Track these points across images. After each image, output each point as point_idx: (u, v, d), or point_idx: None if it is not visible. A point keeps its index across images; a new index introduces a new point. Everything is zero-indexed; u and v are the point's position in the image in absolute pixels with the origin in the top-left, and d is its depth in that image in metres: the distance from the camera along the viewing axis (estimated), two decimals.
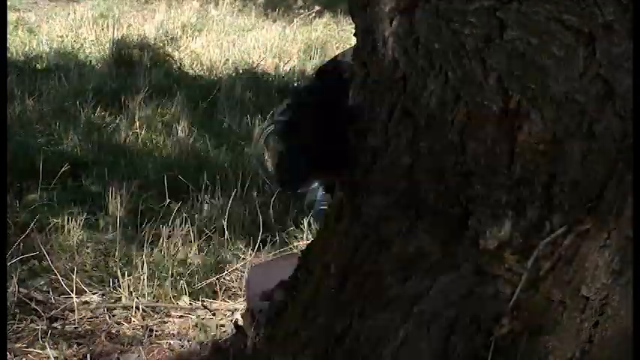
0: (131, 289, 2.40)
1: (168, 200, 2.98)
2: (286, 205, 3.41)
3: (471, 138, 0.99)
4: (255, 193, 3.36)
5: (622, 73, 0.88)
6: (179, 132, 4.45)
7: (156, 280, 2.48)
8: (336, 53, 1.72)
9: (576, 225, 0.97)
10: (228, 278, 2.69)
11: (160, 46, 7.01)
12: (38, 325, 2.10)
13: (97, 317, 2.25)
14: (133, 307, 2.28)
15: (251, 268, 2.05)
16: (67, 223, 2.78)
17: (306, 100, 1.03)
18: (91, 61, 6.18)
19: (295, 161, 0.99)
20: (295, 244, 3.04)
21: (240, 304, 2.40)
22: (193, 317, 2.33)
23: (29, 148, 3.69)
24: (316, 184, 1.53)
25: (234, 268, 2.76)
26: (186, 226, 2.80)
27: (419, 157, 1.04)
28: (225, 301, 2.51)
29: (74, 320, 2.18)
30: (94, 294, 2.37)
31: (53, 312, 2.23)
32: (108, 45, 6.56)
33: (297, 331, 1.22)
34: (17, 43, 6.59)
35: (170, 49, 7.11)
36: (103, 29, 7.55)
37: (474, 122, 0.98)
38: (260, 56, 7.10)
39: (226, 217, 2.99)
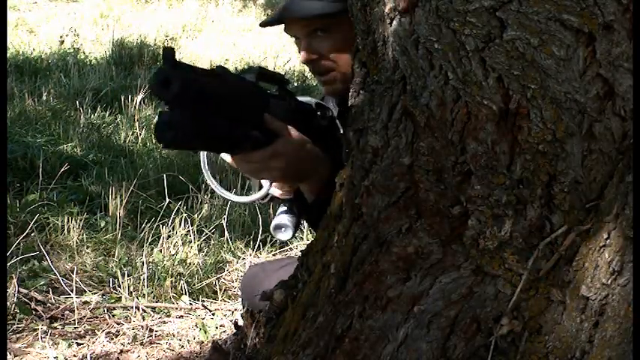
0: (131, 289, 2.41)
1: (168, 200, 2.98)
2: None
3: (470, 138, 0.99)
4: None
5: (622, 73, 0.88)
6: None
7: (156, 280, 2.48)
8: None
9: (576, 225, 0.97)
10: (228, 278, 2.70)
11: (160, 46, 7.01)
12: (38, 325, 2.10)
13: (97, 317, 2.25)
14: (133, 307, 2.29)
15: (247, 269, 2.05)
16: (67, 223, 2.78)
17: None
18: (91, 61, 6.18)
19: (180, 123, 1.08)
20: (295, 243, 3.05)
21: (240, 304, 2.41)
22: (193, 317, 2.33)
23: (29, 148, 3.69)
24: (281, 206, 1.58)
25: (234, 268, 2.76)
26: (186, 226, 2.80)
27: (419, 157, 1.04)
28: (225, 301, 2.51)
29: (74, 320, 2.18)
30: (94, 294, 2.38)
31: (53, 312, 2.23)
32: (108, 45, 6.57)
33: (297, 331, 1.22)
34: (17, 43, 6.59)
35: None
36: (103, 29, 7.56)
37: (474, 122, 0.98)
38: (260, 56, 7.10)
39: (226, 217, 3.00)
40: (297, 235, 3.11)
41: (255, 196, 1.57)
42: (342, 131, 1.65)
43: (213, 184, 1.49)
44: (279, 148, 1.34)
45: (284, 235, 1.61)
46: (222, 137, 1.21)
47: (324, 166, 1.44)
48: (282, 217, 1.60)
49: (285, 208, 1.60)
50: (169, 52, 1.07)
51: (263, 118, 1.32)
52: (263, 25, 1.64)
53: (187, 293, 2.46)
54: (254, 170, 1.39)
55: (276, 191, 1.58)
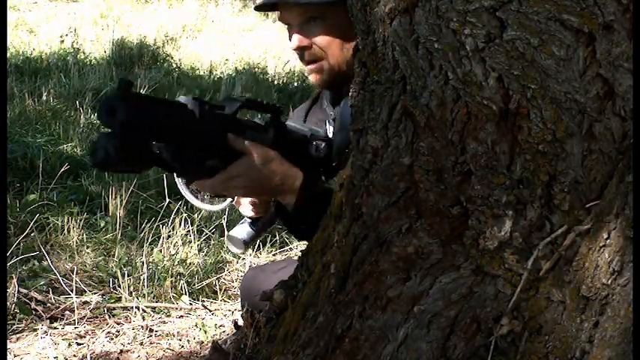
0: (131, 289, 2.40)
1: (168, 200, 2.98)
2: None
3: (470, 138, 0.99)
4: None
5: (622, 73, 0.88)
6: None
7: (156, 280, 2.48)
8: None
9: (576, 225, 0.97)
10: (228, 278, 2.70)
11: (159, 46, 7.02)
12: (38, 325, 2.10)
13: (97, 317, 2.25)
14: (133, 307, 2.28)
15: (246, 271, 2.05)
16: (67, 223, 2.78)
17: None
18: (91, 61, 6.18)
19: (110, 146, 1.11)
20: (295, 244, 3.05)
21: (240, 305, 2.40)
22: (193, 317, 2.33)
23: (29, 148, 3.69)
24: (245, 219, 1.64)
25: (234, 268, 2.76)
26: (187, 226, 2.80)
27: (419, 157, 1.04)
28: (225, 301, 2.51)
29: (74, 320, 2.18)
30: (94, 294, 2.38)
31: (53, 312, 2.23)
32: (108, 45, 6.58)
33: (297, 331, 1.22)
34: (17, 43, 6.59)
35: (170, 49, 7.11)
36: (103, 29, 7.56)
37: (474, 122, 0.98)
38: (260, 56, 7.11)
39: (226, 217, 3.00)
40: None
41: (221, 205, 1.60)
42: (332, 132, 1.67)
43: (184, 192, 1.52)
44: (235, 171, 1.38)
45: (235, 249, 1.65)
46: (163, 163, 1.26)
47: (294, 180, 1.48)
48: (241, 230, 1.63)
49: (249, 220, 1.63)
50: (124, 83, 1.12)
51: (225, 142, 1.36)
52: (257, 8, 1.66)
53: (187, 293, 2.46)
54: (214, 192, 1.45)
55: (247, 212, 1.61)
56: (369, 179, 1.11)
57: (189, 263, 2.64)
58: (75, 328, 2.15)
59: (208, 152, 1.33)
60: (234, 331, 1.54)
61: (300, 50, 1.58)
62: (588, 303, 0.97)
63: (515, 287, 1.01)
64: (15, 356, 1.95)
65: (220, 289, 2.57)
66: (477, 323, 1.04)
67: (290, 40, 1.61)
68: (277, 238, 3.06)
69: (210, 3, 9.23)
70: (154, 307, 2.35)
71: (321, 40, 1.55)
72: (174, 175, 1.43)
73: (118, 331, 2.16)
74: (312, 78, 1.63)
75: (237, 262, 2.82)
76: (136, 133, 1.14)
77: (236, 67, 6.57)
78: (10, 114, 4.25)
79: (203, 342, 2.13)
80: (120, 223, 2.82)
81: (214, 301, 2.49)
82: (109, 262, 2.61)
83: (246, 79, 5.90)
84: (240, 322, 1.45)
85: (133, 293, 2.40)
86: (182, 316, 2.33)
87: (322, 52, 1.56)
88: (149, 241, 2.75)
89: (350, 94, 1.19)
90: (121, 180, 3.37)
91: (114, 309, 2.30)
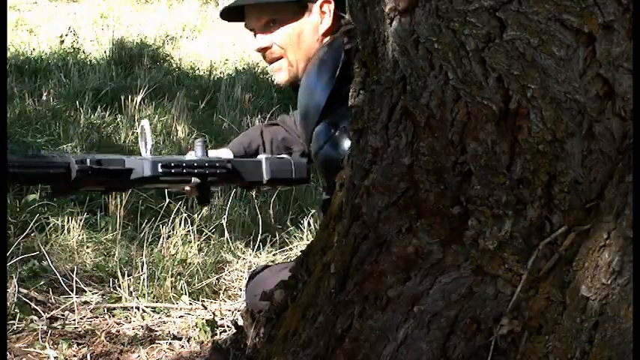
0: (131, 289, 2.40)
1: (168, 200, 2.98)
2: (286, 205, 3.42)
3: (470, 138, 0.99)
4: (254, 193, 3.36)
5: (622, 73, 0.88)
6: (179, 132, 4.46)
7: (156, 280, 2.48)
8: None
9: (576, 225, 0.97)
10: (228, 278, 2.70)
11: (159, 46, 7.02)
12: (38, 325, 2.10)
13: (97, 317, 2.25)
14: (133, 307, 2.28)
15: (250, 274, 2.06)
16: (67, 223, 2.78)
17: None
18: (91, 61, 6.18)
19: None
20: (295, 243, 3.05)
21: (240, 304, 2.41)
22: (193, 317, 2.33)
23: (29, 148, 3.69)
24: None
25: (234, 268, 2.76)
26: (186, 226, 2.80)
27: (419, 157, 1.04)
28: (225, 301, 2.51)
29: (74, 320, 2.18)
30: (94, 294, 2.38)
31: (53, 312, 2.23)
32: (108, 45, 6.58)
33: (297, 331, 1.22)
34: (17, 43, 6.60)
35: (170, 49, 7.12)
36: (103, 29, 7.56)
37: (474, 122, 0.98)
38: (259, 55, 7.11)
39: (226, 217, 3.00)
40: (296, 235, 3.11)
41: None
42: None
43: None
44: None
45: None
46: None
47: None
48: None
49: None
50: None
51: None
52: (224, 17, 1.76)
53: (187, 293, 2.46)
54: None
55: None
56: (369, 179, 1.11)
57: (189, 263, 2.64)
58: (75, 328, 2.15)
59: None
60: (234, 331, 1.54)
61: (262, 52, 1.70)
62: (588, 303, 0.97)
63: (515, 287, 1.01)
64: (15, 356, 1.95)
65: (220, 289, 2.57)
66: (477, 323, 1.04)
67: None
68: (277, 238, 3.06)
69: (210, 3, 9.23)
70: (154, 307, 2.35)
71: (279, 37, 1.65)
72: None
73: (118, 331, 2.16)
74: (276, 79, 1.74)
75: (237, 262, 2.82)
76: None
77: (236, 67, 6.58)
78: (10, 114, 4.25)
79: (203, 342, 2.12)
80: (120, 223, 2.82)
81: (214, 301, 2.49)
82: (109, 262, 2.61)
83: (246, 79, 5.90)
84: (240, 322, 1.45)
85: (133, 293, 2.40)
86: (182, 316, 2.33)
87: (281, 49, 1.67)
88: (149, 241, 2.75)
89: (350, 94, 1.19)
90: None
91: (114, 309, 2.30)
